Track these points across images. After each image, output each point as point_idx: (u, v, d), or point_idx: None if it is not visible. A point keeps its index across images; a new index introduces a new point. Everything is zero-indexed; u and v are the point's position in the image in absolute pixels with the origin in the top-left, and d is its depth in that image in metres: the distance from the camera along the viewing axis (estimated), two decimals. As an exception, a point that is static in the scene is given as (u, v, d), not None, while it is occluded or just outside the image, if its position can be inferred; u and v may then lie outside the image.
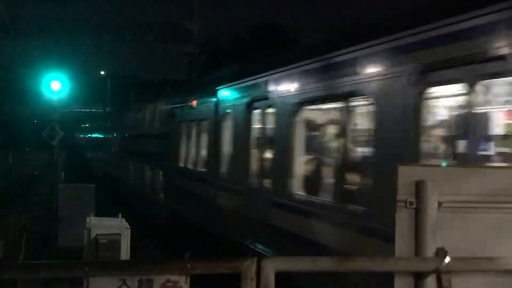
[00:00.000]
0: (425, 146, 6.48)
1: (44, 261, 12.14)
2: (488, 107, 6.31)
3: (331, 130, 9.50)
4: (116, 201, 26.50)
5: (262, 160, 11.41)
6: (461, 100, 6.20)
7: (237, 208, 12.02)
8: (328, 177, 9.15)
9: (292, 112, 9.79)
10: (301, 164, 9.77)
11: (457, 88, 6.22)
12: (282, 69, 10.46)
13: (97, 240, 10.89)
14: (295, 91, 9.85)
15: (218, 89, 13.77)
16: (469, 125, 5.99)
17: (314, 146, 9.93)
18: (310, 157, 9.89)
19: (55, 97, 20.34)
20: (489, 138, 6.31)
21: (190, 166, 16.39)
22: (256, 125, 11.74)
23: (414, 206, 3.15)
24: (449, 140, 6.62)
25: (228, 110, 13.00)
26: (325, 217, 8.51)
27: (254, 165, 11.66)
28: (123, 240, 10.91)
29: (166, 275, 3.19)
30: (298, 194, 9.52)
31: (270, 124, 11.02)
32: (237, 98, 12.62)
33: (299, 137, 9.78)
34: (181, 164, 17.16)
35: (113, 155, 34.01)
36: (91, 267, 3.03)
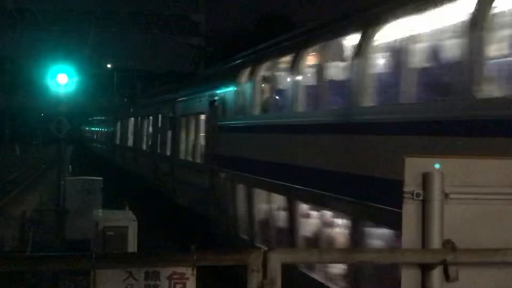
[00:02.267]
0: None
1: (51, 253, 12.20)
2: None
3: None
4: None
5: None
6: None
7: None
8: None
9: None
10: None
11: None
12: None
13: (105, 233, 10.92)
14: None
15: None
16: None
17: None
18: None
19: (62, 90, 20.35)
20: None
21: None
22: None
23: (421, 197, 3.14)
24: None
25: None
26: None
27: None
28: (130, 232, 10.94)
29: (172, 267, 3.20)
30: None
31: None
32: None
33: None
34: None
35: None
36: (98, 259, 3.03)
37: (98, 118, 57.96)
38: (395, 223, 4.92)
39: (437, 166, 3.12)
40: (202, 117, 16.41)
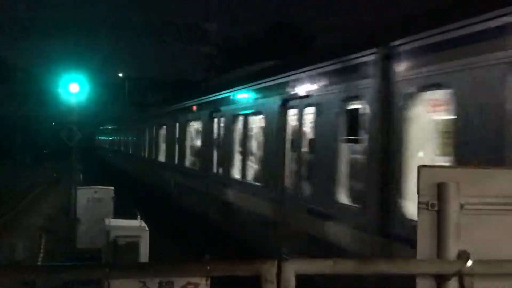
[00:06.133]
0: None
1: (65, 263, 12.22)
2: None
3: None
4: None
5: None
6: None
7: None
8: None
9: None
10: None
11: None
12: None
13: (116, 242, 10.89)
14: None
15: None
16: None
17: None
18: None
19: (73, 99, 20.44)
20: None
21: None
22: None
23: (436, 208, 3.12)
24: None
25: None
26: None
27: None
28: (142, 242, 10.90)
29: (186, 277, 3.19)
30: None
31: None
32: None
33: None
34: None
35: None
36: (112, 269, 3.03)
37: (112, 127, 55.92)
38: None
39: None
40: None
